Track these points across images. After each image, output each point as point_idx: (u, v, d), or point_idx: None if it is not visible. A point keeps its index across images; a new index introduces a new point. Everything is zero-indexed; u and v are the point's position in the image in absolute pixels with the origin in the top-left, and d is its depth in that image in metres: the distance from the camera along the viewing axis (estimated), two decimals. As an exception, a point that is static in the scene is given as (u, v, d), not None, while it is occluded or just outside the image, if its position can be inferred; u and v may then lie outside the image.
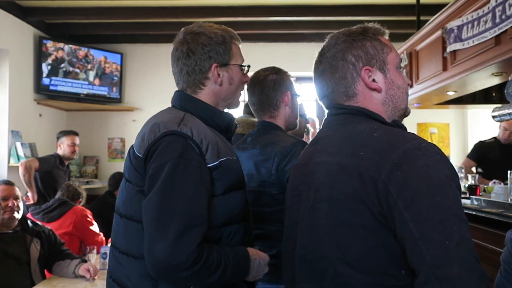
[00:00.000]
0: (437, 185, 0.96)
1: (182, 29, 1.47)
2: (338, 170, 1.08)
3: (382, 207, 0.99)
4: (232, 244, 1.35)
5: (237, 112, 2.45)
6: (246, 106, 3.01)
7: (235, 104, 1.52)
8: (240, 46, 1.50)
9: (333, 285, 1.06)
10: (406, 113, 1.24)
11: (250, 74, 1.54)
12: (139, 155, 1.32)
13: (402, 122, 1.22)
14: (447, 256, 0.90)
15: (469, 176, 3.44)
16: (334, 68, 1.19)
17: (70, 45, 5.77)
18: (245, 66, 1.49)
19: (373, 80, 1.17)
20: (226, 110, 1.50)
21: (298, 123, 2.03)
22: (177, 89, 1.50)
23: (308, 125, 3.94)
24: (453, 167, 1.02)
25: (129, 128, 6.18)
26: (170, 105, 1.49)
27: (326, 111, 1.28)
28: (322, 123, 1.28)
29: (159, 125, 1.30)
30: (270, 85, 1.89)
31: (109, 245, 3.26)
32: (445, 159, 1.02)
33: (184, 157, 1.25)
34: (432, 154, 1.00)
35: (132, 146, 1.39)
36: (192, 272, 1.19)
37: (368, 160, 1.02)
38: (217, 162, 1.31)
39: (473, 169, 4.56)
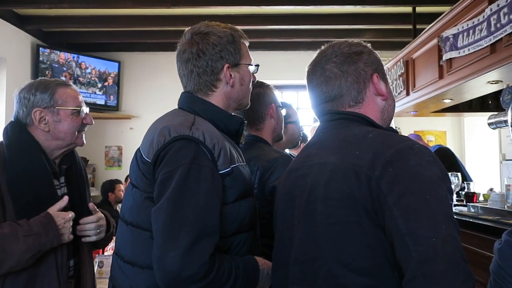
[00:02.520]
0: (427, 184, 0.97)
1: (188, 29, 1.41)
2: (333, 170, 1.08)
3: (375, 204, 1.00)
4: (242, 253, 1.31)
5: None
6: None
7: (246, 104, 1.47)
8: (247, 45, 1.45)
9: (325, 286, 1.05)
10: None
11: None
12: (148, 160, 1.25)
13: (400, 131, 1.24)
14: (433, 252, 0.91)
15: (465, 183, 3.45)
16: (346, 72, 1.20)
17: (68, 53, 5.78)
18: (255, 65, 1.44)
19: (380, 87, 1.22)
20: (235, 111, 1.46)
21: (283, 134, 2.05)
22: (177, 95, 1.44)
23: (309, 133, 3.96)
24: (444, 169, 1.03)
25: (127, 136, 6.18)
26: (171, 110, 1.43)
27: (318, 119, 1.28)
28: (316, 129, 1.29)
29: (169, 129, 1.24)
30: (255, 98, 1.85)
31: (105, 253, 3.26)
32: (437, 161, 1.03)
33: (196, 163, 1.19)
34: (424, 155, 1.02)
35: (139, 150, 1.33)
36: (203, 285, 1.14)
37: (363, 159, 1.04)
38: (229, 169, 1.26)
39: None
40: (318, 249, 1.08)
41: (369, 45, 1.28)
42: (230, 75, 1.37)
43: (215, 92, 1.38)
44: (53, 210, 1.58)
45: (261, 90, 1.92)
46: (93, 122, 1.77)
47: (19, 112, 1.70)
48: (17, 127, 1.68)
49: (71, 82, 1.83)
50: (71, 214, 1.62)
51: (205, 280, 1.14)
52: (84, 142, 1.77)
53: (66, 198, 1.63)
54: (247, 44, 1.44)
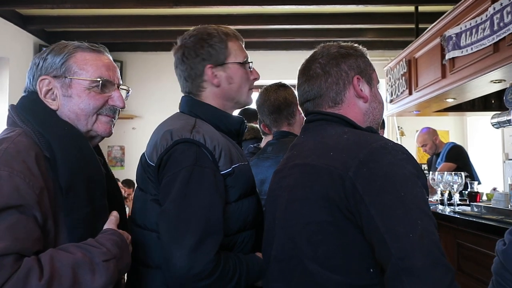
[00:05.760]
0: (401, 181, 1.00)
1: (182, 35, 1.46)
2: (310, 171, 1.12)
3: (350, 204, 1.02)
4: (246, 250, 1.34)
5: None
6: (242, 114, 3.03)
7: (243, 102, 1.48)
8: (242, 43, 1.45)
9: (301, 284, 1.09)
10: (378, 128, 1.31)
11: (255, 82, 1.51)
12: (152, 163, 1.29)
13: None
14: (411, 248, 0.93)
15: (468, 183, 3.43)
16: (327, 73, 1.23)
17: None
18: (246, 62, 1.44)
19: (361, 90, 1.24)
20: (236, 111, 1.50)
21: None
22: (179, 95, 1.48)
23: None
24: (419, 166, 1.06)
25: (129, 136, 6.18)
26: (171, 112, 1.46)
27: (305, 118, 1.32)
28: (300, 130, 1.33)
29: (171, 132, 1.28)
30: (287, 96, 1.99)
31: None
32: (411, 158, 1.06)
33: (198, 164, 1.23)
34: (397, 153, 1.05)
35: (144, 154, 1.36)
36: (210, 282, 1.17)
37: (337, 160, 1.06)
38: (230, 169, 1.30)
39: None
40: (295, 248, 1.11)
41: (364, 49, 1.30)
42: (214, 75, 1.39)
43: (203, 93, 1.41)
44: (113, 226, 1.19)
45: (288, 90, 2.03)
46: (124, 105, 1.30)
47: (27, 82, 1.26)
48: (39, 103, 1.21)
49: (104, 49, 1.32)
50: (128, 233, 1.25)
51: (212, 277, 1.17)
52: (111, 130, 1.31)
53: (116, 213, 1.24)
54: (239, 42, 1.45)
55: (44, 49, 1.29)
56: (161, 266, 1.23)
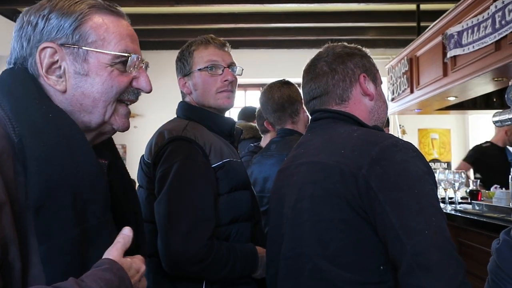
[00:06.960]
0: (413, 179, 1.02)
1: None
2: (319, 169, 1.13)
3: (363, 201, 1.03)
4: (241, 242, 1.43)
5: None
6: (242, 113, 3.04)
7: (214, 106, 1.52)
8: (211, 47, 1.50)
9: (310, 281, 1.09)
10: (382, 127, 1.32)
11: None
12: (148, 161, 1.44)
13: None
14: (426, 244, 0.95)
15: (470, 181, 3.43)
16: (334, 70, 1.24)
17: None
18: (206, 67, 1.48)
19: (367, 88, 1.25)
20: (235, 111, 1.62)
21: None
22: (180, 94, 1.60)
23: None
24: (428, 163, 1.09)
25: (130, 134, 6.17)
26: (172, 112, 1.58)
27: (310, 117, 1.33)
28: (306, 129, 1.34)
29: (165, 133, 1.42)
30: (291, 94, 2.02)
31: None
32: (421, 156, 1.08)
33: (190, 158, 1.36)
34: (408, 151, 1.06)
35: (143, 155, 1.50)
36: (203, 266, 1.27)
37: (348, 157, 1.07)
38: (220, 162, 1.41)
39: (471, 174, 4.55)
40: (304, 245, 1.12)
41: (367, 51, 1.32)
42: (185, 84, 1.54)
43: (188, 100, 1.56)
44: (115, 254, 0.81)
45: (293, 87, 2.06)
46: (151, 89, 1.00)
47: (15, 49, 0.89)
48: (19, 77, 0.86)
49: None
50: (142, 262, 0.89)
51: (206, 260, 1.27)
52: (129, 124, 0.99)
53: (128, 231, 0.86)
54: (212, 48, 1.50)
55: (38, 3, 0.90)
56: (157, 254, 1.32)
